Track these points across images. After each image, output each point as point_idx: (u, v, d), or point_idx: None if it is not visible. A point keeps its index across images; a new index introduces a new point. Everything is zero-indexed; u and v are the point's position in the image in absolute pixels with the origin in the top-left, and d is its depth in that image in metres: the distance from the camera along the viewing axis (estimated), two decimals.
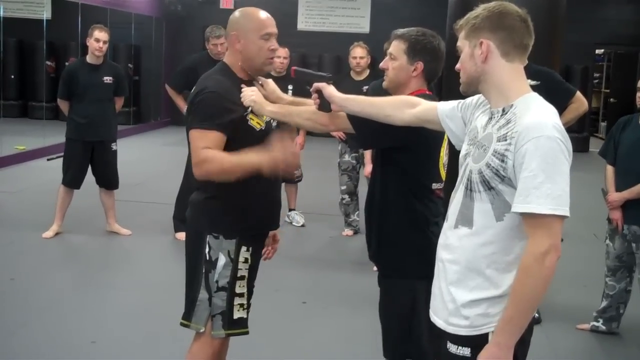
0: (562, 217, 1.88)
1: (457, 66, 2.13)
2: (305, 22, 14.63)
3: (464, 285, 2.04)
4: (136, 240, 6.18)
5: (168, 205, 6.48)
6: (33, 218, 6.59)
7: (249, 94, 2.70)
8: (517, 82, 2.05)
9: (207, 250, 2.78)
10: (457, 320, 2.06)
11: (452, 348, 2.07)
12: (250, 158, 2.64)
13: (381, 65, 2.82)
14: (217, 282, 2.77)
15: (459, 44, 2.12)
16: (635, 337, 4.42)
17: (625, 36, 14.24)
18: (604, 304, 4.47)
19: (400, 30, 2.78)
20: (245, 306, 2.83)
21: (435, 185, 2.71)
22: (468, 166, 2.06)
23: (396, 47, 2.75)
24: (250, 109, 2.71)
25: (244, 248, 2.78)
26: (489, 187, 1.98)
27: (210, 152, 2.62)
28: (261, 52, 2.77)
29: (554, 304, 4.78)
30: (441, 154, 2.71)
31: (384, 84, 2.83)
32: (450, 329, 2.08)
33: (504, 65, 2.03)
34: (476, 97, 2.21)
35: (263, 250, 3.01)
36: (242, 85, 2.76)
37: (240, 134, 2.69)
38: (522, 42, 2.05)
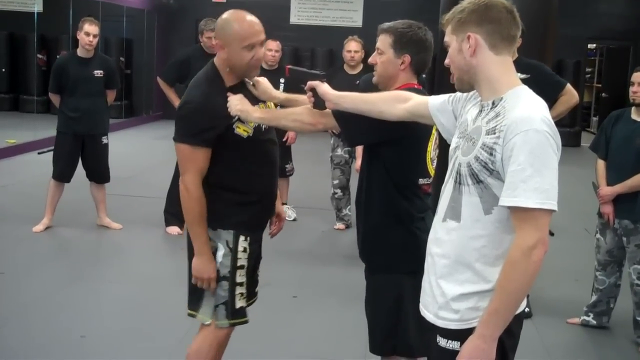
0: (550, 211, 1.87)
1: (446, 61, 2.12)
2: (298, 16, 14.60)
3: (454, 279, 2.04)
4: (127, 234, 6.16)
5: (159, 199, 6.46)
6: (23, 212, 6.56)
7: (235, 103, 2.69)
8: (506, 75, 2.04)
9: None
10: (447, 314, 2.05)
11: (442, 342, 2.07)
12: (204, 243, 2.75)
13: (370, 60, 2.81)
14: (218, 271, 2.80)
15: (446, 39, 2.11)
16: (625, 331, 4.42)
17: (617, 31, 14.25)
18: (594, 298, 4.48)
19: (386, 24, 2.76)
20: (244, 295, 2.85)
21: (422, 181, 2.70)
22: (457, 159, 2.06)
23: (383, 41, 2.73)
24: (237, 117, 2.71)
25: (242, 238, 2.81)
26: (477, 180, 1.97)
27: (196, 189, 2.71)
28: (244, 62, 2.74)
29: (545, 298, 4.79)
30: (428, 149, 2.70)
31: (374, 79, 2.82)
32: (440, 323, 2.08)
33: (493, 58, 2.02)
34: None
35: (272, 228, 3.08)
36: (229, 94, 2.74)
37: (226, 143, 2.73)
38: (509, 34, 2.03)
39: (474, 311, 2.00)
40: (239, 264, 2.81)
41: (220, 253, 2.80)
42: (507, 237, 1.95)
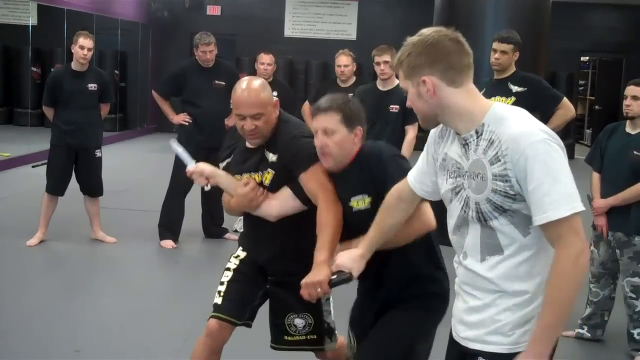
0: (580, 213, 1.87)
1: (408, 104, 2.07)
2: (292, 29, 14.63)
3: (504, 308, 1.99)
4: (121, 248, 6.14)
5: (153, 212, 6.44)
6: (17, 225, 6.54)
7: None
8: (475, 102, 2.00)
9: None
10: (498, 339, 2.00)
11: None
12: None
13: (318, 144, 2.69)
14: None
15: (401, 85, 2.06)
16: (619, 344, 4.42)
17: (610, 43, 14.34)
18: (588, 311, 4.48)
19: (323, 103, 2.70)
20: (222, 294, 3.02)
21: None
22: (470, 199, 1.99)
23: (330, 121, 2.65)
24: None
25: (240, 248, 3.16)
26: (503, 210, 1.94)
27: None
28: (239, 128, 2.88)
29: None
30: None
31: (328, 165, 2.71)
32: (490, 348, 2.01)
33: (455, 92, 1.98)
34: (432, 131, 2.17)
35: None
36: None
37: None
38: (462, 65, 1.98)
39: (527, 334, 1.96)
40: (227, 266, 3.11)
41: None
42: (549, 252, 1.92)
